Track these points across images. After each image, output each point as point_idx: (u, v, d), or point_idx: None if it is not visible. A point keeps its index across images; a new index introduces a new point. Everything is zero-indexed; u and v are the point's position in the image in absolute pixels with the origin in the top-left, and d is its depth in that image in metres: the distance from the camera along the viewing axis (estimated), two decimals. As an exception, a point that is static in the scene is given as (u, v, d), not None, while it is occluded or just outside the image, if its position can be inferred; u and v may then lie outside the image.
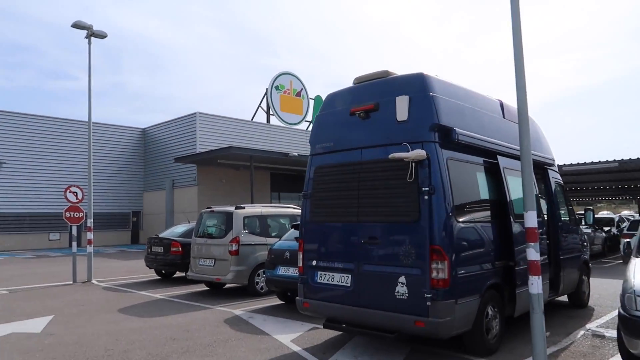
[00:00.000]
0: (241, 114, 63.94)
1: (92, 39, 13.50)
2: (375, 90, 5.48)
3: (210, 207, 10.68)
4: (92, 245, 12.72)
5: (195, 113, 28.94)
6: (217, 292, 10.44)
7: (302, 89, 35.14)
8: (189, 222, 13.11)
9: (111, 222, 31.18)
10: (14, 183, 27.85)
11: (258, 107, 33.23)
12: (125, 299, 9.71)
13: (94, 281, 12.43)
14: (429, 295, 4.69)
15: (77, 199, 12.52)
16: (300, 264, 5.93)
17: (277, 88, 33.40)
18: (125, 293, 10.47)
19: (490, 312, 5.40)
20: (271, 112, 32.98)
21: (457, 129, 5.14)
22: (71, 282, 12.16)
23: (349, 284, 5.33)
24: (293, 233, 8.63)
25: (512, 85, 4.96)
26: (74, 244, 12.47)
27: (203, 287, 10.92)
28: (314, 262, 5.73)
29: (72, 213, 12.42)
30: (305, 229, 5.91)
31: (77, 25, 13.16)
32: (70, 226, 29.18)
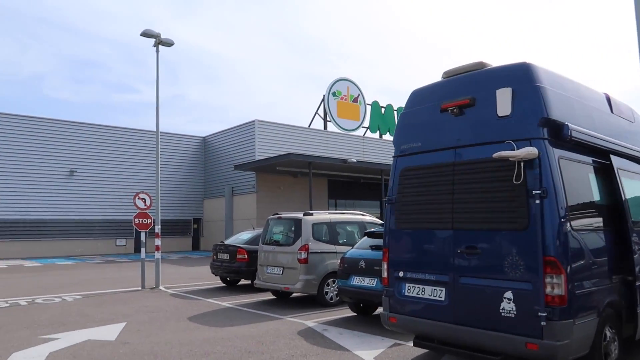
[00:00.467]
0: (295, 121, 64.05)
1: (160, 47, 13.69)
2: (470, 84, 4.94)
3: (277, 214, 10.41)
4: (160, 252, 12.78)
5: (254, 121, 29.19)
6: (284, 301, 10.13)
7: (359, 95, 34.72)
8: (254, 229, 12.95)
9: (173, 229, 31.93)
10: (84, 191, 29.10)
11: (315, 114, 33.12)
12: (194, 306, 9.58)
13: (161, 287, 12.49)
14: (544, 314, 4.08)
15: (145, 205, 12.66)
16: (384, 274, 5.46)
17: (334, 94, 33.16)
18: (193, 300, 10.37)
19: (608, 334, 4.70)
20: (328, 119, 32.75)
21: (569, 124, 4.52)
22: (140, 288, 12.26)
23: (442, 298, 4.80)
24: (366, 241, 8.18)
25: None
26: (143, 250, 12.60)
27: (270, 296, 10.65)
28: (401, 273, 5.24)
29: (140, 219, 12.56)
30: (391, 236, 5.44)
31: (145, 34, 13.40)
32: (139, 232, 30.62)
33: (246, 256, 11.47)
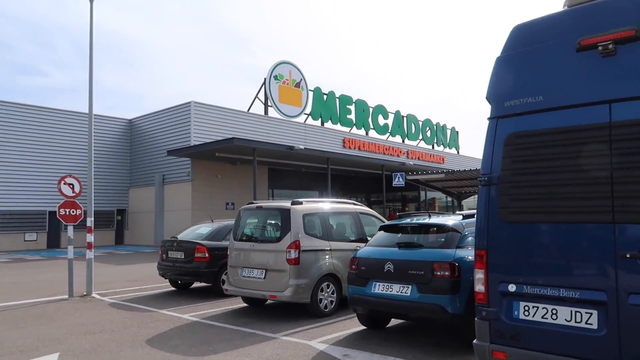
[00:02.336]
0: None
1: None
2: (629, 9, 3.38)
3: (254, 202, 8.42)
4: (93, 250, 10.26)
5: (189, 102, 26.42)
6: (262, 310, 8.20)
7: (301, 80, 32.90)
8: (212, 221, 10.80)
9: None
10: (-15, 177, 24.85)
11: (255, 98, 30.85)
12: (148, 322, 7.39)
13: (95, 295, 10.02)
14: None
15: (74, 192, 10.09)
16: (480, 288, 3.81)
17: (275, 78, 31.08)
18: (143, 313, 8.13)
19: None
20: (269, 104, 30.64)
21: None
22: (67, 297, 9.73)
23: (594, 326, 3.23)
24: (385, 237, 6.49)
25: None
26: (70, 248, 10.01)
27: (238, 303, 8.68)
28: (512, 287, 3.61)
29: (67, 210, 9.97)
30: (493, 232, 3.75)
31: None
32: (54, 225, 26.73)
33: (207, 254, 9.37)
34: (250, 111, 29.85)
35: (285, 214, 7.55)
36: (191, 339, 6.31)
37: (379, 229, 6.74)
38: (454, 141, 47.84)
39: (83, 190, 10.34)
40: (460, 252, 5.62)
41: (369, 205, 41.38)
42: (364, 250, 6.46)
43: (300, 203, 7.79)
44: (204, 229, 10.26)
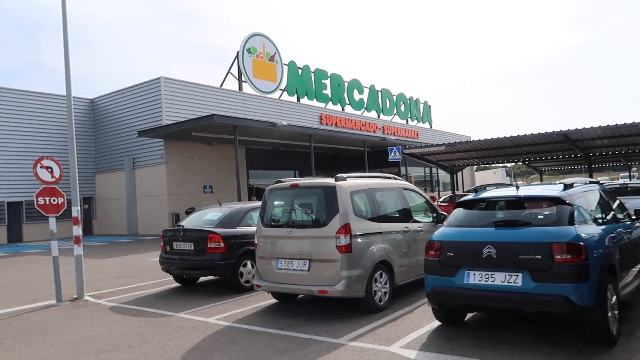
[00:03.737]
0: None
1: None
2: None
3: (282, 180, 7.11)
4: (82, 245, 8.70)
5: (159, 78, 24.42)
6: (296, 307, 7.00)
7: (275, 53, 31.19)
8: (220, 205, 9.40)
9: (58, 211, 26.14)
10: None
11: (228, 73, 29.00)
12: (169, 330, 6.06)
13: (87, 297, 8.52)
14: None
15: (53, 177, 8.47)
16: None
17: (249, 51, 29.27)
18: (158, 318, 6.77)
19: None
20: (243, 79, 28.88)
21: None
22: (54, 302, 8.20)
23: None
24: (469, 215, 5.38)
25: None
26: (54, 244, 8.43)
27: (266, 299, 7.47)
28: None
29: (47, 199, 8.36)
30: None
31: None
32: (13, 217, 24.34)
33: (222, 244, 8.04)
34: (223, 87, 28.03)
35: (330, 192, 6.30)
36: (238, 353, 5.04)
37: (457, 206, 5.59)
38: (427, 115, 47.29)
39: (64, 174, 8.70)
40: (581, 229, 4.57)
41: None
42: (445, 232, 5.31)
43: (345, 179, 6.55)
44: (213, 214, 8.86)
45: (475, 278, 4.82)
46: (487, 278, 4.74)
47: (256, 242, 6.99)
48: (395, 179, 7.74)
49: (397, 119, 42.36)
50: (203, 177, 26.03)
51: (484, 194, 5.61)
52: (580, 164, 31.28)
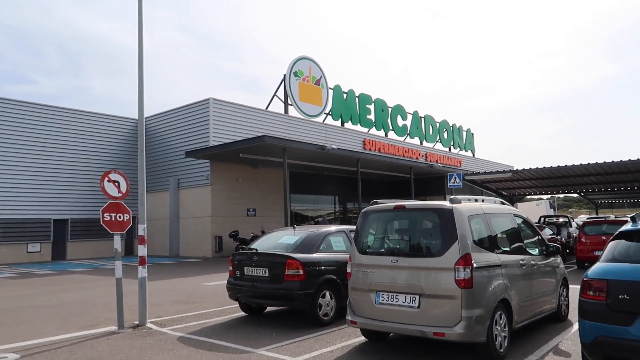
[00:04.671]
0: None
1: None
2: None
3: (377, 202, 6.28)
4: (146, 267, 8.03)
5: (208, 99, 24.24)
6: (388, 347, 6.06)
7: (321, 77, 30.88)
8: (294, 228, 8.59)
9: (100, 230, 25.91)
10: (-18, 182, 22.42)
11: (274, 96, 28.73)
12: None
13: (150, 324, 7.79)
14: None
15: (120, 192, 7.89)
16: None
17: (295, 74, 29.01)
18: (238, 355, 5.94)
19: None
20: (289, 102, 28.53)
21: None
22: (116, 328, 7.49)
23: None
24: (636, 248, 4.41)
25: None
26: (118, 264, 7.79)
27: (352, 336, 6.56)
28: None
29: (113, 215, 7.76)
30: None
31: None
32: (59, 235, 24.19)
33: (301, 271, 7.22)
34: (268, 110, 27.70)
35: (446, 216, 5.42)
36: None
37: (616, 237, 4.62)
38: (469, 143, 46.08)
39: (130, 190, 8.11)
40: None
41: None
42: (611, 268, 4.35)
43: (459, 201, 5.67)
44: (288, 237, 8.07)
45: (666, 329, 3.83)
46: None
47: (349, 270, 6.14)
48: (503, 203, 6.82)
49: (439, 146, 41.30)
50: (246, 200, 25.49)
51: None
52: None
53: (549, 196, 49.53)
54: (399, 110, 36.58)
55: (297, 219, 29.22)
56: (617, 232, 4.62)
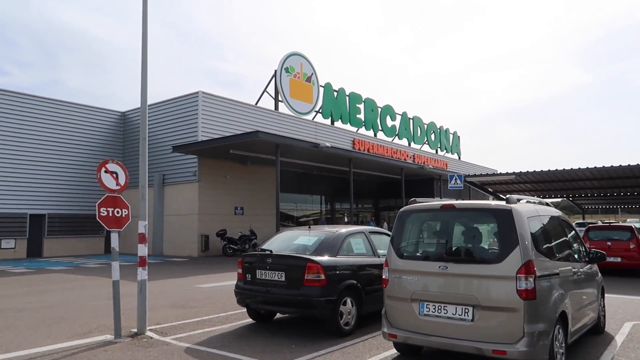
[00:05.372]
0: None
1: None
2: None
3: (417, 200, 5.64)
4: (146, 268, 7.21)
5: (197, 93, 23.31)
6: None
7: (312, 74, 30.23)
8: (309, 228, 7.87)
9: (79, 226, 24.78)
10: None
11: (264, 92, 27.94)
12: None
13: (149, 332, 6.98)
14: None
15: (118, 184, 7.06)
16: None
17: (286, 70, 28.29)
18: (258, 370, 5.21)
19: None
20: (280, 99, 27.77)
21: None
22: (112, 337, 6.67)
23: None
24: None
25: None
26: (115, 265, 6.96)
27: (384, 348, 5.90)
28: None
29: (110, 209, 6.92)
30: None
31: None
32: (35, 231, 22.92)
33: (322, 276, 6.53)
34: (258, 106, 26.86)
35: (504, 217, 4.80)
36: None
37: None
38: (456, 146, 46.01)
39: (129, 181, 7.29)
40: None
41: (378, 212, 38.93)
42: None
43: (517, 201, 5.05)
44: (305, 238, 7.35)
45: None
46: None
47: (385, 277, 5.48)
48: (548, 205, 6.25)
49: (426, 147, 41.05)
50: (234, 197, 24.65)
51: None
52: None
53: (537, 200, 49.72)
54: (388, 110, 36.15)
55: (282, 219, 28.48)
56: None
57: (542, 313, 4.61)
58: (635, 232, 14.96)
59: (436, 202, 5.37)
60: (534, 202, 5.67)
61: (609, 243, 13.84)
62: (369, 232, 7.84)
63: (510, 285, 4.56)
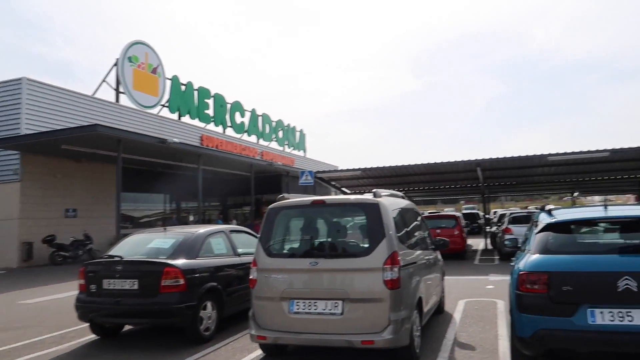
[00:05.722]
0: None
1: None
2: None
3: (287, 196, 5.51)
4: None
5: (20, 79, 20.22)
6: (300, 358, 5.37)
7: (158, 65, 28.43)
8: (165, 229, 7.20)
9: None
10: None
11: (103, 81, 25.41)
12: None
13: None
14: None
15: None
16: None
17: (130, 60, 26.14)
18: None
19: None
20: (122, 90, 25.54)
21: None
22: None
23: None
24: (570, 239, 4.49)
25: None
26: None
27: (238, 351, 5.69)
28: None
29: None
30: None
31: None
32: None
33: (182, 281, 6.04)
34: (95, 96, 24.35)
35: (372, 211, 4.92)
36: None
37: (544, 229, 4.63)
38: (302, 143, 47.48)
39: None
40: None
41: (226, 210, 38.18)
42: (551, 260, 4.29)
43: (381, 195, 5.23)
44: (160, 241, 6.73)
45: (605, 318, 3.87)
46: (623, 317, 3.82)
47: (253, 277, 5.24)
48: (403, 197, 6.63)
49: (274, 144, 41.67)
50: (66, 199, 22.01)
51: (589, 214, 4.79)
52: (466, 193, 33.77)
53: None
54: (237, 107, 35.76)
55: (122, 220, 26.32)
56: (544, 225, 4.65)
57: (405, 301, 4.84)
58: (459, 220, 17.05)
59: (306, 198, 5.32)
60: (392, 195, 5.96)
61: (438, 230, 15.53)
62: (230, 231, 7.52)
63: (377, 277, 4.70)
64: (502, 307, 7.84)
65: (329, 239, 5.24)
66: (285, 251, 5.28)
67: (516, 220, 15.31)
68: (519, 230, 13.61)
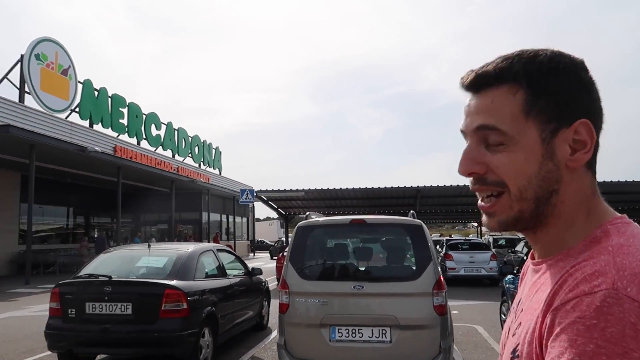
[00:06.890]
0: None
1: None
2: None
3: (313, 216, 5.16)
4: None
5: None
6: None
7: (70, 67, 26.08)
8: (149, 246, 6.38)
9: None
10: None
11: (4, 78, 22.67)
12: None
13: None
14: None
15: None
16: None
17: (37, 57, 23.66)
18: None
19: None
20: (27, 90, 22.98)
21: None
22: None
23: None
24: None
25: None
26: None
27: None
28: None
29: None
30: None
31: None
32: None
33: (184, 305, 5.39)
34: (-4, 95, 21.62)
35: (417, 233, 4.77)
36: None
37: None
38: (217, 161, 46.11)
39: None
40: None
41: (138, 227, 35.59)
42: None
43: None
44: (151, 259, 5.95)
45: None
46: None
47: (284, 301, 4.81)
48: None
49: (189, 160, 40.01)
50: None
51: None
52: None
53: (278, 218, 53.34)
54: (153, 118, 33.86)
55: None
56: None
57: (450, 329, 4.72)
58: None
59: (343, 217, 5.03)
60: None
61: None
62: (218, 249, 6.93)
63: (427, 302, 4.54)
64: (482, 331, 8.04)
65: (372, 261, 4.99)
66: (322, 273, 4.93)
67: (453, 247, 16.00)
68: (459, 256, 14.20)
